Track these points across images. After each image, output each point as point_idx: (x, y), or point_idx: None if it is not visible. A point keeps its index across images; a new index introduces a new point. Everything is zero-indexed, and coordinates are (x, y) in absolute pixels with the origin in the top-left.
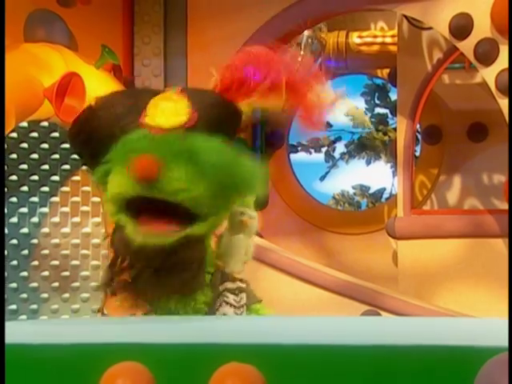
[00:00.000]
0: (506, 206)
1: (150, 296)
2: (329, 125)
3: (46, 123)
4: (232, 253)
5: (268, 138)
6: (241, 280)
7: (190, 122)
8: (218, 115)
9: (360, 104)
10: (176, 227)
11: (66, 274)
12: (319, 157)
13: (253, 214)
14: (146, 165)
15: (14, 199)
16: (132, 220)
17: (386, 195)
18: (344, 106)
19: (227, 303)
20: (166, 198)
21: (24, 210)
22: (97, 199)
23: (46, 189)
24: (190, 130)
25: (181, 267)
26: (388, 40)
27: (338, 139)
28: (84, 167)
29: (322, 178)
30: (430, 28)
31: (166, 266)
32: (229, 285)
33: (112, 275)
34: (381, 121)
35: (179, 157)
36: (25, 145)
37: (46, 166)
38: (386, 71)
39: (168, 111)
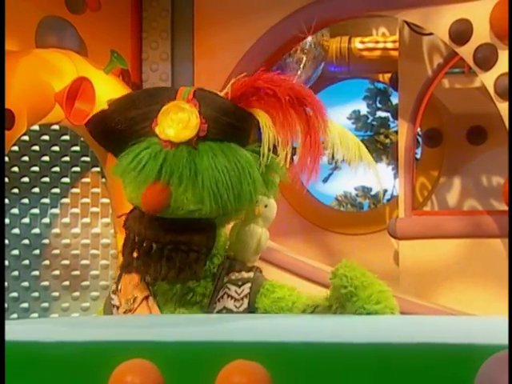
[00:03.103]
0: (504, 207)
1: (152, 272)
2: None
3: (56, 126)
4: (245, 242)
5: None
6: (250, 269)
7: (200, 133)
8: (230, 123)
9: (362, 108)
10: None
11: (77, 273)
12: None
13: (269, 202)
14: (155, 197)
15: (26, 200)
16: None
17: (387, 196)
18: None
19: (228, 295)
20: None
21: (35, 210)
22: (106, 200)
23: (56, 190)
24: (201, 139)
25: (187, 248)
26: (389, 45)
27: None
28: (94, 169)
29: (325, 180)
30: (431, 34)
31: (173, 244)
32: (233, 276)
33: (125, 255)
34: (382, 124)
35: (190, 179)
36: (36, 147)
37: (57, 168)
38: (387, 76)
39: (178, 123)
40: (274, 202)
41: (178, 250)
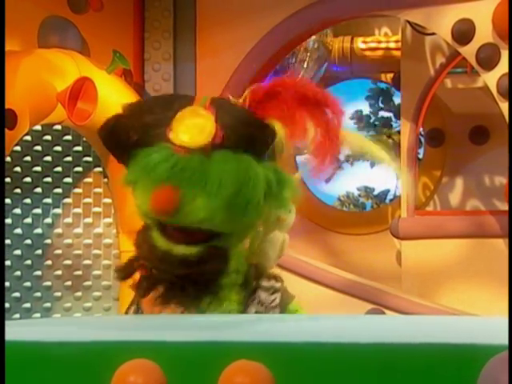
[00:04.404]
0: (506, 207)
1: (176, 303)
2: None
3: (58, 126)
4: (269, 249)
5: None
6: (275, 278)
7: (216, 140)
8: (246, 133)
9: (364, 107)
10: (201, 238)
11: (79, 273)
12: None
13: (291, 207)
14: (165, 199)
15: (28, 201)
16: (158, 227)
17: (390, 197)
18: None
19: (259, 302)
20: (188, 226)
21: (38, 211)
22: (108, 200)
23: (58, 190)
24: (216, 147)
25: (204, 277)
26: (392, 45)
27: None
28: (96, 169)
29: (328, 180)
30: (433, 33)
31: (189, 275)
32: (263, 283)
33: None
34: (385, 124)
35: (201, 185)
36: (38, 147)
37: (59, 169)
38: (389, 75)
39: (193, 129)
40: (293, 207)
41: (197, 282)
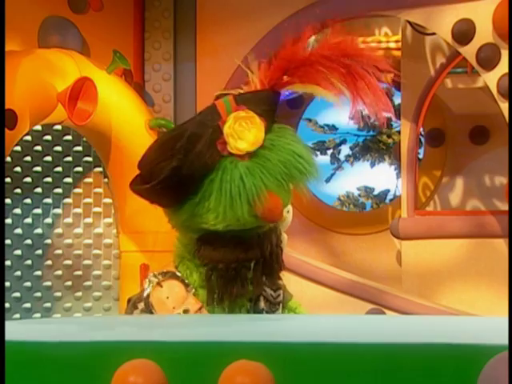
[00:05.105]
0: (507, 207)
1: (220, 293)
2: (335, 128)
3: (59, 127)
4: None
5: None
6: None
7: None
8: (273, 112)
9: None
10: None
11: (79, 273)
12: (325, 159)
13: (289, 207)
14: (279, 207)
15: (28, 200)
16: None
17: (390, 196)
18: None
19: (264, 297)
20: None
21: (38, 211)
22: (108, 200)
23: (59, 190)
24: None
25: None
26: (392, 45)
27: (343, 142)
28: (96, 169)
29: (328, 180)
30: (433, 33)
31: (239, 262)
32: (267, 279)
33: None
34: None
35: (279, 183)
36: (39, 147)
37: (59, 169)
38: (390, 75)
39: (245, 134)
40: (291, 207)
41: (243, 267)
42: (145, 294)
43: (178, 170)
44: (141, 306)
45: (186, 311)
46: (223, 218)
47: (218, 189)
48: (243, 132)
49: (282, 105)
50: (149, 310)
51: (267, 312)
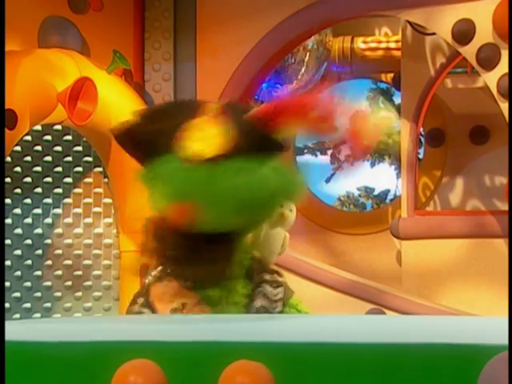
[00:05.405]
0: (507, 207)
1: (191, 276)
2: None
3: (59, 126)
4: (272, 244)
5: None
6: (278, 273)
7: (226, 149)
8: (256, 139)
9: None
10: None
11: (79, 273)
12: (325, 159)
13: (291, 206)
14: (183, 214)
15: (28, 200)
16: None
17: (390, 197)
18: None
19: (264, 295)
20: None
21: (38, 211)
22: (108, 200)
23: (59, 190)
24: (226, 155)
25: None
26: (392, 45)
27: (344, 142)
28: (96, 169)
29: (328, 180)
30: (433, 33)
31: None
32: (267, 276)
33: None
34: None
35: (214, 195)
36: (39, 147)
37: (59, 169)
38: (390, 76)
39: (203, 140)
40: (294, 206)
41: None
42: (144, 289)
43: (131, 129)
44: (140, 300)
45: (183, 305)
46: (156, 206)
47: (152, 177)
48: (202, 138)
49: None
50: (148, 304)
51: (266, 309)
